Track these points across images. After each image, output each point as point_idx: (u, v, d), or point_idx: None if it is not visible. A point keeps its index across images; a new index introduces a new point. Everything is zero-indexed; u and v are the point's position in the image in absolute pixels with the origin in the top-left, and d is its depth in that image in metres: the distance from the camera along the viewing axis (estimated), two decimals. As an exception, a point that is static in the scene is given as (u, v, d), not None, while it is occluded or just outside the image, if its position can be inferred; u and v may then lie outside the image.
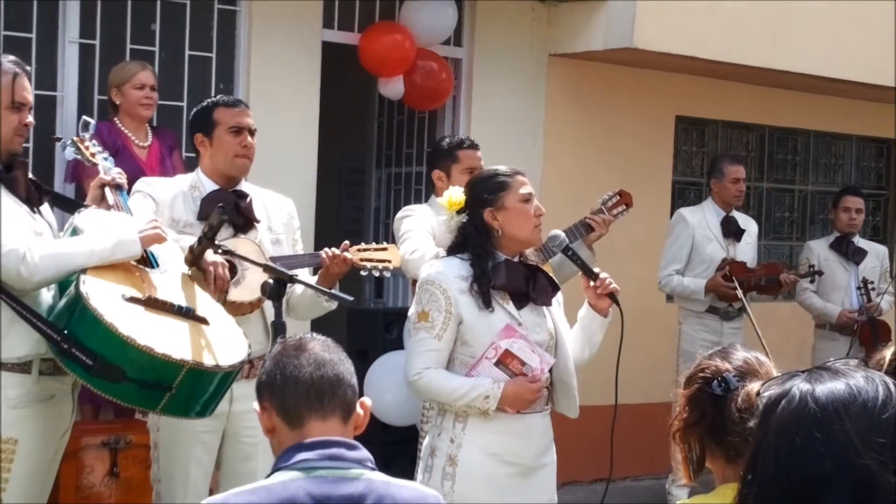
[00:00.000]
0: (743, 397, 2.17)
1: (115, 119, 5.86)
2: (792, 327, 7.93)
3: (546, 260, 5.45)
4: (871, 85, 8.53)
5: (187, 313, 3.74)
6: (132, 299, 3.65)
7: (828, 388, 1.69)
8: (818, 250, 7.72)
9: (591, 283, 3.96)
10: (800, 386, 1.71)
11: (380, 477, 2.44)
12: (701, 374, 2.50)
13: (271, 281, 3.58)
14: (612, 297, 3.95)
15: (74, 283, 3.65)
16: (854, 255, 7.68)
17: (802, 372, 1.77)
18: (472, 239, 3.92)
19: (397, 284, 7.80)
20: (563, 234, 4.14)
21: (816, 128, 9.46)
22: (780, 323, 8.29)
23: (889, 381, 1.71)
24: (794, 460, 1.65)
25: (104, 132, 5.68)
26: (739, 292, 6.58)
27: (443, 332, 3.83)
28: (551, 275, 4.17)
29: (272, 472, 2.42)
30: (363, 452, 2.45)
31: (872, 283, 7.51)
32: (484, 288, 3.84)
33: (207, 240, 3.93)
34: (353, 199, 9.16)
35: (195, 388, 3.63)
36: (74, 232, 3.87)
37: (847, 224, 7.70)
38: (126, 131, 5.82)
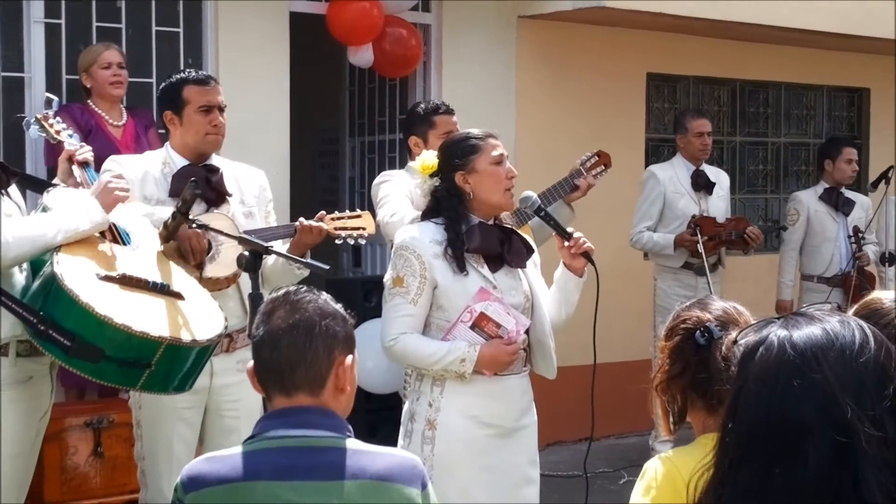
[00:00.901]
0: (727, 345, 2.17)
1: (89, 101, 5.84)
2: (770, 281, 7.96)
3: (523, 223, 5.46)
4: (841, 35, 8.54)
5: (162, 289, 3.73)
6: (107, 278, 3.64)
7: (804, 333, 1.69)
8: (807, 201, 7.71)
9: (566, 244, 3.96)
10: (777, 332, 1.72)
11: (353, 445, 2.40)
12: (682, 326, 2.50)
13: (247, 253, 3.57)
14: (587, 256, 3.95)
15: (48, 263, 3.64)
16: (844, 206, 7.71)
17: (778, 318, 1.77)
18: (444, 202, 3.92)
19: (375, 253, 7.80)
20: (534, 196, 4.14)
21: (787, 79, 9.48)
22: (757, 277, 8.34)
23: (864, 325, 1.72)
24: (773, 407, 1.66)
25: (76, 113, 5.66)
26: (701, 247, 6.62)
27: (418, 297, 3.83)
28: (529, 237, 4.18)
29: (245, 441, 2.42)
30: (336, 420, 2.42)
31: (863, 232, 7.54)
32: (458, 252, 3.83)
33: (181, 215, 3.91)
34: (327, 169, 9.14)
35: (173, 364, 3.62)
36: (44, 210, 3.85)
37: (849, 175, 7.72)
38: (100, 111, 5.80)
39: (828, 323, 1.71)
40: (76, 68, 5.93)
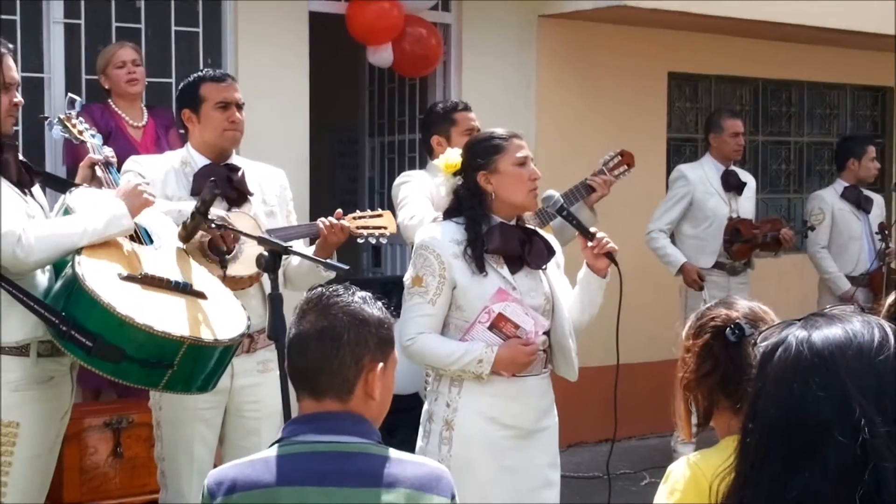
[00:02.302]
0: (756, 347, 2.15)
1: (109, 101, 5.84)
2: (792, 282, 7.92)
3: (546, 223, 5.42)
4: (864, 33, 8.48)
5: (184, 288, 3.72)
6: (128, 277, 3.63)
7: (823, 334, 1.69)
8: (831, 200, 7.68)
9: (589, 244, 3.93)
10: (796, 333, 1.71)
11: (383, 452, 2.37)
12: (711, 324, 2.48)
13: (266, 253, 3.56)
14: (610, 256, 3.91)
15: (70, 264, 3.63)
16: (865, 204, 7.67)
17: (799, 320, 1.77)
18: (466, 202, 3.90)
19: (395, 253, 7.78)
20: (557, 195, 4.11)
21: (810, 78, 9.42)
22: (780, 277, 8.29)
23: (886, 324, 1.71)
24: (792, 408, 1.65)
25: (97, 114, 5.66)
26: (706, 294, 6.64)
27: (436, 297, 3.81)
28: (551, 237, 4.15)
29: (272, 445, 2.39)
30: (366, 425, 2.38)
31: (888, 228, 7.50)
32: (477, 252, 3.81)
33: (200, 214, 3.90)
34: (346, 169, 9.13)
35: (196, 364, 3.61)
36: (66, 212, 3.85)
37: (874, 173, 7.69)
38: (120, 112, 5.80)
39: (848, 323, 1.70)
40: (95, 69, 5.92)
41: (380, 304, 2.47)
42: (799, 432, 1.63)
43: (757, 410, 1.70)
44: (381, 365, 2.40)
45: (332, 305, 2.40)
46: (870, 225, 7.63)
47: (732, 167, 7.22)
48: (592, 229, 3.97)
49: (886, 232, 7.47)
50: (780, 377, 1.68)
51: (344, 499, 2.29)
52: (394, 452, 2.38)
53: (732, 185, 7.15)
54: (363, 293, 2.46)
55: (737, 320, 2.45)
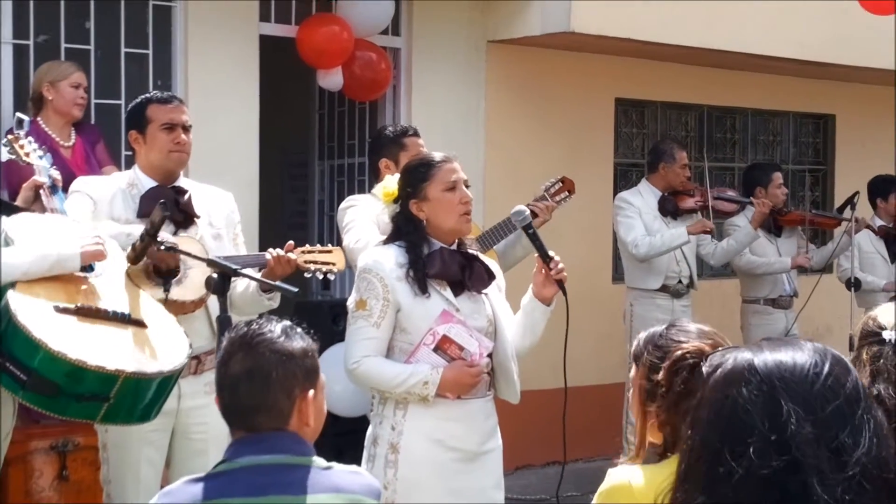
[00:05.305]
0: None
1: (38, 119, 5.72)
2: (736, 305, 8.00)
3: (489, 248, 5.47)
4: (806, 61, 8.63)
5: (123, 318, 3.69)
6: (63, 310, 3.59)
7: (766, 354, 1.75)
8: (745, 226, 7.65)
9: (545, 267, 3.91)
10: (738, 354, 1.78)
11: (322, 463, 2.46)
12: (686, 361, 2.51)
13: (215, 275, 3.56)
14: (560, 285, 3.93)
15: (4, 296, 3.58)
16: (776, 228, 7.87)
17: (744, 346, 1.85)
18: (403, 228, 3.94)
19: (344, 277, 7.78)
20: (527, 211, 4.10)
21: (754, 105, 9.55)
22: (724, 300, 8.37)
23: (826, 348, 1.77)
24: (724, 409, 1.72)
25: (32, 133, 5.58)
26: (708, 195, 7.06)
27: (381, 320, 3.83)
28: (493, 263, 4.17)
29: (217, 465, 2.45)
30: (306, 446, 2.46)
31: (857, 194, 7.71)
32: (419, 274, 3.84)
33: (150, 237, 3.90)
34: (296, 192, 9.12)
35: (136, 396, 3.58)
36: (6, 238, 3.81)
37: (782, 199, 7.79)
38: (49, 132, 5.73)
39: (794, 348, 1.76)
40: (37, 84, 5.82)
41: (300, 331, 2.53)
42: (729, 431, 1.69)
43: (696, 417, 1.77)
44: (311, 392, 2.47)
45: (257, 344, 2.45)
46: (779, 250, 7.78)
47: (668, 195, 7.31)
48: (551, 253, 3.97)
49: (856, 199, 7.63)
50: (716, 385, 1.75)
51: None
52: (333, 464, 2.48)
53: (669, 211, 7.29)
54: (284, 324, 2.52)
55: (709, 354, 2.49)
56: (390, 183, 4.01)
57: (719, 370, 1.77)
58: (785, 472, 1.65)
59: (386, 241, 4.03)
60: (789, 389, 1.69)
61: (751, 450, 1.66)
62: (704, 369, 1.84)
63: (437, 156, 4.01)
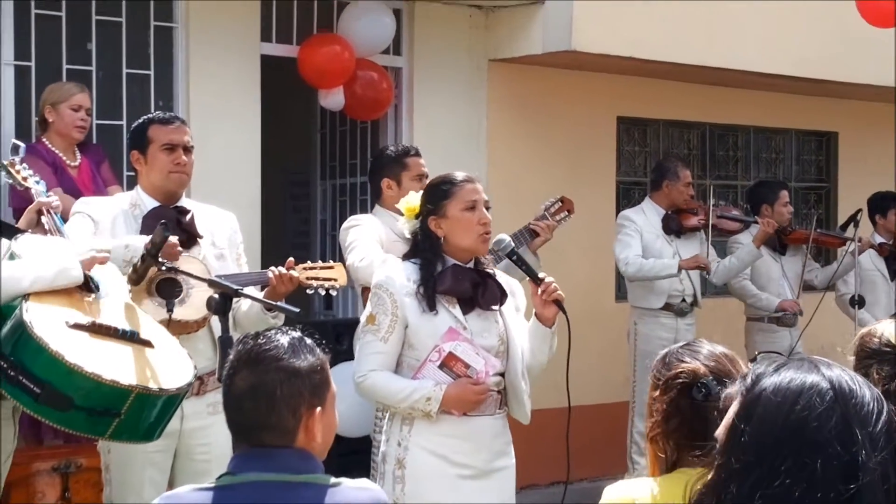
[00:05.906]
0: (724, 402, 2.17)
1: (44, 138, 5.76)
2: (740, 323, 7.98)
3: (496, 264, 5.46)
4: (809, 79, 8.63)
5: (131, 337, 3.69)
6: (76, 325, 3.60)
7: (828, 371, 1.73)
8: (749, 243, 7.65)
9: (539, 290, 3.94)
10: (797, 369, 1.74)
11: (326, 481, 2.42)
12: (678, 381, 2.50)
13: (216, 296, 3.56)
14: (559, 304, 3.94)
15: (18, 309, 3.60)
16: (781, 247, 7.86)
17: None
18: (421, 244, 3.98)
19: (346, 296, 7.77)
20: (508, 238, 4.16)
21: (756, 123, 9.55)
22: (728, 318, 8.35)
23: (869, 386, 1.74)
24: (792, 419, 1.67)
25: (42, 151, 5.61)
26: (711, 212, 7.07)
27: (389, 335, 3.87)
28: (516, 281, 4.19)
29: (221, 476, 2.42)
30: (313, 462, 2.43)
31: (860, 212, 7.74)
32: (429, 291, 3.87)
33: (151, 257, 3.89)
34: (298, 212, 9.12)
35: (143, 413, 3.58)
36: (12, 257, 3.81)
37: (787, 218, 7.76)
38: (56, 151, 5.75)
39: (846, 374, 1.74)
40: (40, 105, 5.85)
41: (310, 343, 2.47)
42: (795, 442, 1.66)
43: (753, 414, 1.71)
44: (318, 409, 2.42)
45: (261, 361, 2.40)
46: (783, 268, 7.76)
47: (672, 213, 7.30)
48: (541, 275, 3.99)
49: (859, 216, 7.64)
50: (780, 388, 1.70)
51: None
52: (339, 480, 2.43)
53: (672, 229, 7.28)
54: (292, 336, 2.46)
55: (704, 378, 2.47)
56: (413, 199, 4.05)
57: (772, 384, 1.72)
58: (845, 496, 1.63)
59: (404, 258, 4.07)
60: (860, 420, 1.67)
61: (818, 464, 1.63)
62: (741, 384, 1.78)
63: (460, 175, 4.05)
